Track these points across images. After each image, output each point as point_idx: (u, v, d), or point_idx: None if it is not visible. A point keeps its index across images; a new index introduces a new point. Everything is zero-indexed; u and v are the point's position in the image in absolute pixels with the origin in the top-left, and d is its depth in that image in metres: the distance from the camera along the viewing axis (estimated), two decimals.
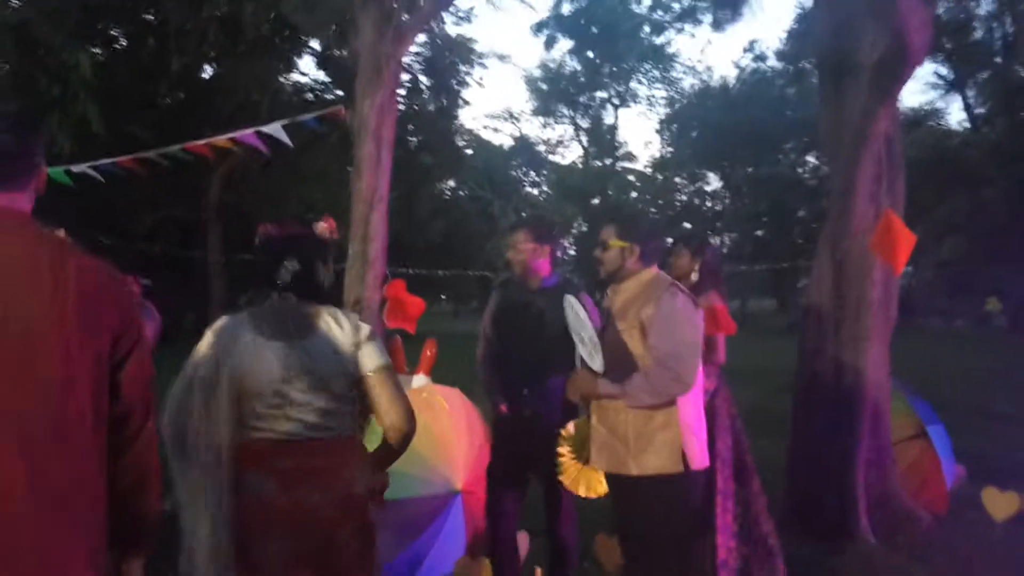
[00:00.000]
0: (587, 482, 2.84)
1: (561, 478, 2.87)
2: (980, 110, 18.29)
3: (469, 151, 34.46)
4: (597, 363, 2.56)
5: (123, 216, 15.89)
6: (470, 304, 41.19)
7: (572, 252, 38.26)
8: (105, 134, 12.47)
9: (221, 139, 4.76)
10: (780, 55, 30.97)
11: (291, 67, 18.83)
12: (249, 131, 4.62)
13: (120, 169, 5.36)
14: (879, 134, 4.31)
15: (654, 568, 2.59)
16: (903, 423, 4.57)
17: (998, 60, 16.42)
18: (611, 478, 2.69)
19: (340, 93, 17.08)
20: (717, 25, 26.60)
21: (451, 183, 29.90)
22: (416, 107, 20.28)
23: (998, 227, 13.38)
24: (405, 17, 4.71)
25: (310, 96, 18.91)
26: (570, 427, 2.89)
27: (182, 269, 17.62)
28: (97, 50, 15.02)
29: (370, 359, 1.95)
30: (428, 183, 20.73)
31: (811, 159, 31.24)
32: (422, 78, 20.43)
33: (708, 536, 3.25)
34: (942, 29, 16.31)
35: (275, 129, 4.64)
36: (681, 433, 2.56)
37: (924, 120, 28.27)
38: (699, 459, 2.60)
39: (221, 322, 1.97)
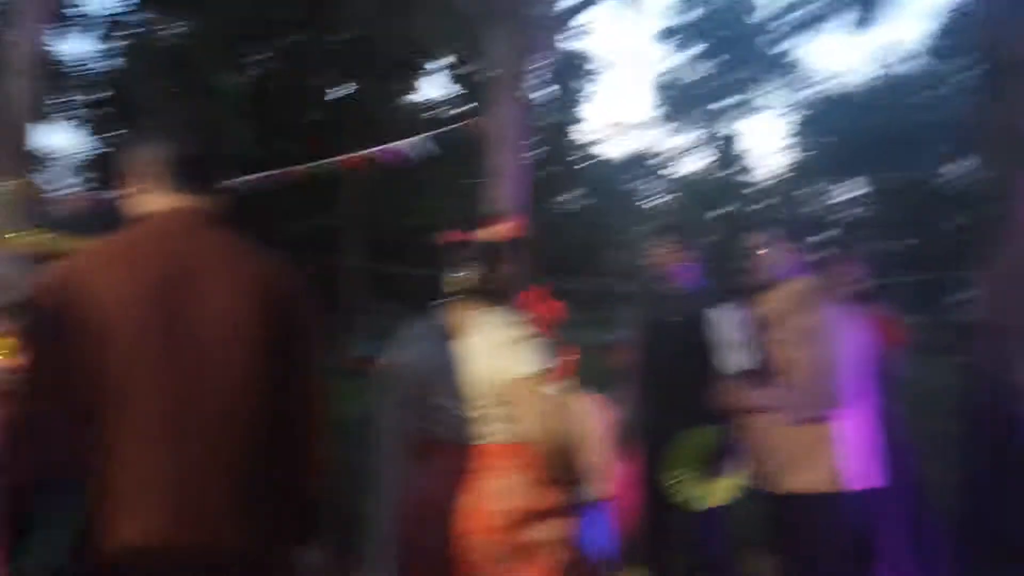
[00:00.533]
0: (711, 493, 2.77)
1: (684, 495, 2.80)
2: None
3: (588, 161, 34.54)
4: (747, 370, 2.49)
5: (268, 226, 17.07)
6: (584, 314, 40.92)
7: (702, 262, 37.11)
8: (256, 151, 13.44)
9: (372, 152, 5.02)
10: (933, 51, 28.96)
11: (418, 85, 19.56)
12: (398, 144, 4.86)
13: (271, 183, 5.76)
14: None
15: None
16: None
17: None
18: (763, 494, 2.59)
19: (469, 106, 17.59)
20: (861, 24, 25.25)
21: (569, 195, 29.98)
22: (538, 121, 20.53)
23: None
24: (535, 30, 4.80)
25: (441, 111, 19.57)
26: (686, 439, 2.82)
27: (314, 276, 18.63)
28: (243, 73, 16.29)
29: (520, 364, 1.92)
30: (549, 195, 20.89)
31: (961, 164, 29.01)
32: (542, 91, 20.67)
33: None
34: None
35: (422, 140, 4.86)
36: (837, 450, 2.43)
37: None
38: (859, 478, 2.45)
39: (410, 328, 2.09)
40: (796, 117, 37.54)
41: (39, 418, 1.33)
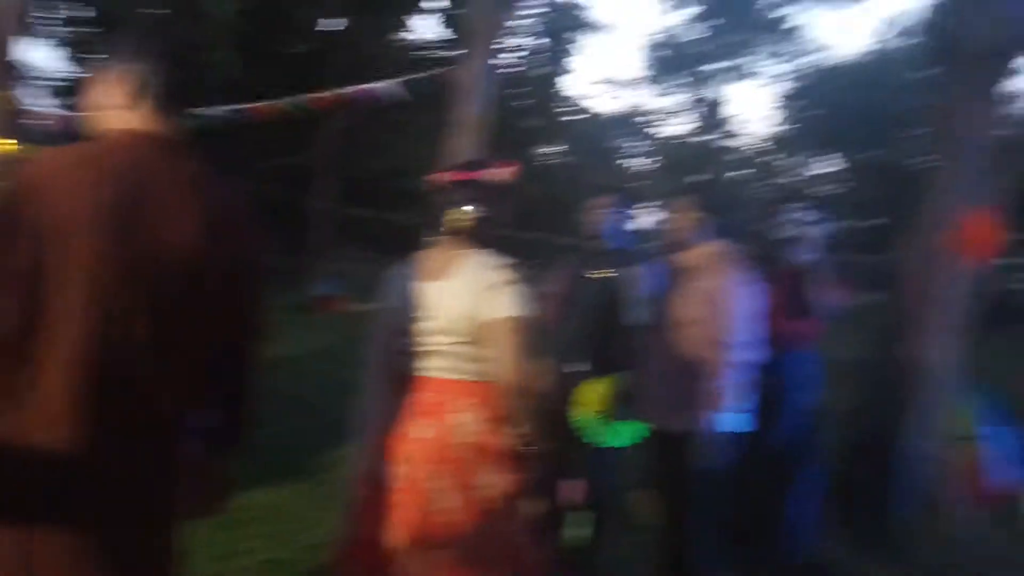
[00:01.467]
0: (614, 434, 3.00)
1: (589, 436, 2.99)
2: None
3: (573, 116, 34.35)
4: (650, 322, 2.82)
5: (237, 161, 16.97)
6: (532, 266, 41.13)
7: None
8: (242, 80, 13.32)
9: (344, 92, 5.14)
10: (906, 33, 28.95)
11: (408, 24, 19.29)
12: (370, 86, 5.00)
13: (246, 116, 5.91)
14: (978, 133, 4.26)
15: (691, 525, 2.83)
16: (968, 422, 4.57)
17: None
18: (653, 433, 2.96)
19: (458, 51, 17.40)
20: None
21: (551, 148, 29.91)
22: (523, 70, 20.44)
23: None
24: None
25: (429, 53, 19.36)
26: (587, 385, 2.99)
27: (283, 216, 18.61)
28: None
29: (498, 306, 1.92)
30: (528, 147, 20.96)
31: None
32: (530, 41, 20.54)
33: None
34: None
35: (394, 85, 5.02)
36: (720, 395, 2.80)
37: None
38: (734, 423, 2.83)
39: (399, 266, 2.14)
40: (784, 87, 37.59)
41: None
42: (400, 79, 5.01)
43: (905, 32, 30.51)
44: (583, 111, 36.48)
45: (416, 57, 18.36)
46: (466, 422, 1.95)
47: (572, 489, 3.59)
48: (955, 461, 4.56)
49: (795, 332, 3.42)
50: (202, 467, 1.61)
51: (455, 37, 18.85)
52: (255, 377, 1.65)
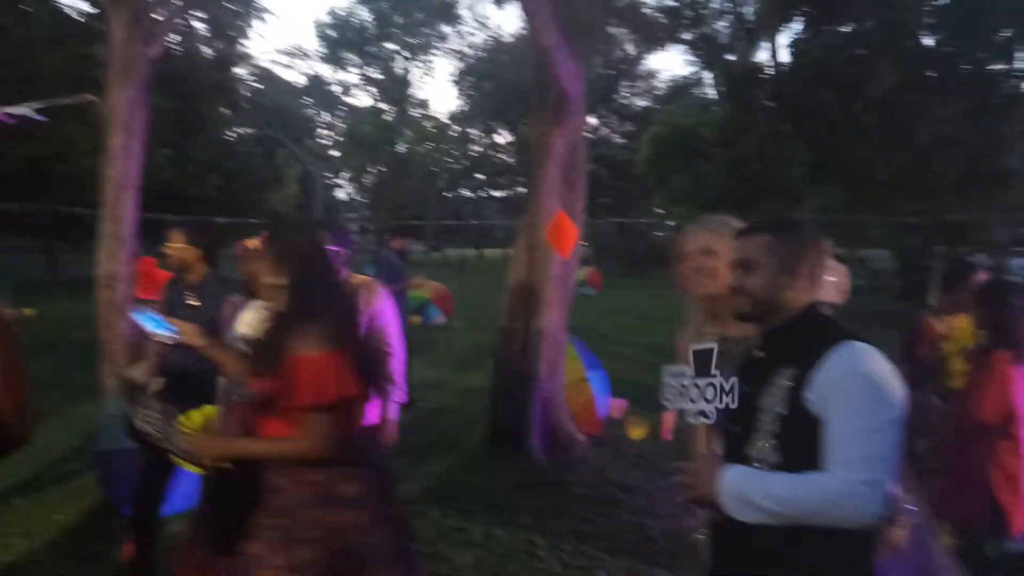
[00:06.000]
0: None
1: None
2: (713, 95, 21.47)
3: (257, 85, 33.07)
4: None
5: None
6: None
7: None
8: None
9: None
10: None
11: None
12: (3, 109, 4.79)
13: None
14: (559, 149, 5.52)
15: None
16: (574, 369, 5.96)
17: (730, 57, 19.38)
18: None
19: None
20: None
21: (236, 130, 28.65)
22: (188, 52, 19.33)
23: (715, 198, 16.09)
24: (156, 15, 5.09)
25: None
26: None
27: None
28: None
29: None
30: (204, 131, 19.99)
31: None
32: (197, 25, 19.47)
33: None
34: (679, 22, 18.84)
35: (24, 110, 4.87)
36: None
37: (686, 90, 31.71)
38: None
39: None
40: (460, 64, 40.09)
41: None
42: (35, 105, 4.86)
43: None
44: (267, 81, 35.23)
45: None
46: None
47: None
48: (573, 400, 5.95)
49: None
50: None
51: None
52: None
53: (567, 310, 5.88)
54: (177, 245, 3.29)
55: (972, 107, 13.42)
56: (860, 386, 1.48)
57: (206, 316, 3.20)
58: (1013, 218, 16.30)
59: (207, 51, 20.41)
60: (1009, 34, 14.27)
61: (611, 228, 30.61)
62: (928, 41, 15.42)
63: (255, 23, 24.02)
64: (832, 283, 5.60)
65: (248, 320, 2.90)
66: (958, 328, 3.57)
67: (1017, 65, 14.74)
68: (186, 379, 3.12)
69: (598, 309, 15.88)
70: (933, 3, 14.95)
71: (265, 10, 24.53)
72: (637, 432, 5.74)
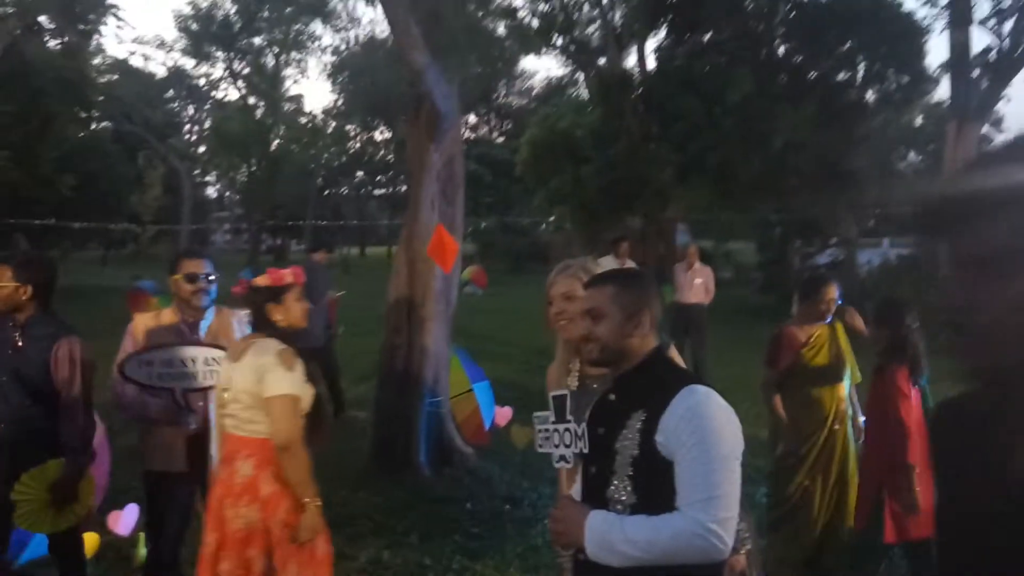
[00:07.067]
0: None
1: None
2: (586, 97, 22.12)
3: (112, 76, 30.87)
4: None
5: None
6: (123, 249, 37.42)
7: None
8: None
9: None
10: None
11: None
12: None
13: None
14: (435, 163, 5.51)
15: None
16: (459, 381, 5.99)
17: (602, 61, 20.02)
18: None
19: None
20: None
21: (93, 127, 26.61)
22: (33, 46, 17.75)
23: (590, 198, 16.57)
24: None
25: None
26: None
27: None
28: None
29: (268, 386, 2.56)
30: (53, 130, 18.43)
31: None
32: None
33: None
34: (551, 26, 19.30)
35: None
36: None
37: (561, 91, 32.21)
38: None
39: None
40: (333, 58, 39.00)
41: None
42: None
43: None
44: (125, 74, 32.92)
45: None
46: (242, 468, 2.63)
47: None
48: (459, 412, 5.97)
49: None
50: None
51: None
52: None
53: (450, 323, 5.89)
54: (2, 284, 3.00)
55: (821, 113, 14.53)
56: (699, 429, 1.59)
57: (34, 359, 3.02)
58: (860, 214, 17.84)
59: (55, 43, 18.80)
60: (852, 45, 15.56)
61: (494, 226, 30.83)
62: (780, 50, 16.58)
63: (110, 11, 22.26)
64: (699, 284, 5.87)
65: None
66: (817, 336, 3.90)
67: (860, 74, 16.11)
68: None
69: (483, 308, 15.96)
70: (784, 15, 16.09)
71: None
72: (522, 440, 5.84)
